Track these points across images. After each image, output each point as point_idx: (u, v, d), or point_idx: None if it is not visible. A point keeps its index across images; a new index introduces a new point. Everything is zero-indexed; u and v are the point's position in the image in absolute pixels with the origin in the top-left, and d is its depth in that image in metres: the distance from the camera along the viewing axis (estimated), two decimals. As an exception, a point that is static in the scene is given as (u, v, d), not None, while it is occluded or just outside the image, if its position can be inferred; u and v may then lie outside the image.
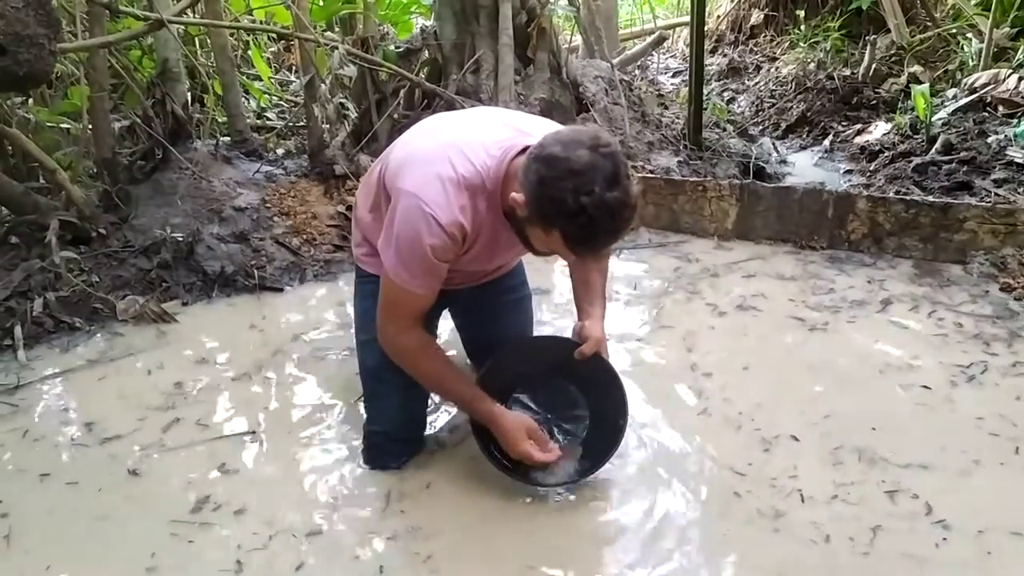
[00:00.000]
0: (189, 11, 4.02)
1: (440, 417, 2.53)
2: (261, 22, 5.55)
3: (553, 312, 3.31)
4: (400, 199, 1.87)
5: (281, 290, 3.63)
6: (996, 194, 4.19)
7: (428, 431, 2.42)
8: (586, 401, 2.29)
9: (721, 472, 2.21)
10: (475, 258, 2.04)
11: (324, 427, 2.53)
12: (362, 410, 2.46)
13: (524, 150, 1.84)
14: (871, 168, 5.15)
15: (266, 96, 6.17)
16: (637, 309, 3.31)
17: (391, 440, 2.29)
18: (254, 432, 2.50)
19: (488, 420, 2.08)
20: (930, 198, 3.85)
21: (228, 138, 4.68)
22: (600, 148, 1.67)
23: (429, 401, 2.44)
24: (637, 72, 7.54)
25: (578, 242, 1.75)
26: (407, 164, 1.93)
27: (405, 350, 2.09)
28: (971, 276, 3.40)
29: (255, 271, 3.65)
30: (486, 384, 2.18)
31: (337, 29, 5.80)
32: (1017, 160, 4.50)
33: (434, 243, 1.84)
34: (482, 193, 1.88)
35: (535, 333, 2.71)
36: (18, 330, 3.10)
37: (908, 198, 3.76)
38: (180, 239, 3.62)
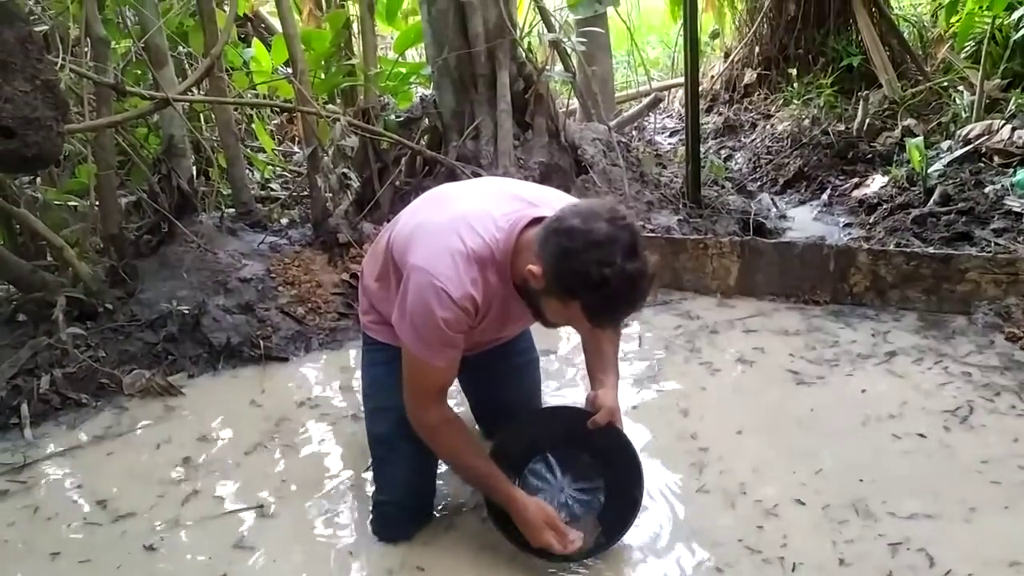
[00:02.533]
0: (194, 88, 4.11)
1: (447, 486, 2.50)
2: (264, 96, 5.66)
3: (559, 374, 3.30)
4: (411, 274, 1.89)
5: (287, 359, 3.62)
6: (996, 243, 4.21)
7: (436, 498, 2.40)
8: (601, 472, 2.26)
9: (729, 550, 2.15)
10: (485, 329, 2.05)
11: (337, 498, 2.51)
12: (371, 479, 2.45)
13: (532, 222, 1.86)
14: (870, 221, 5.18)
15: (270, 167, 6.26)
16: (636, 370, 3.27)
17: (400, 509, 2.27)
18: (263, 507, 2.47)
19: (506, 504, 2.05)
20: (930, 249, 3.87)
21: (233, 210, 4.74)
22: (618, 220, 1.70)
23: (438, 470, 2.41)
24: (634, 133, 7.64)
25: (598, 313, 1.77)
26: (416, 238, 1.95)
27: (427, 425, 2.08)
28: (976, 326, 3.39)
29: (260, 341, 3.65)
30: (500, 454, 2.17)
31: (339, 101, 5.92)
32: (1015, 209, 4.53)
33: (447, 317, 1.85)
34: (492, 266, 1.89)
35: (542, 393, 2.71)
36: (24, 408, 3.10)
37: (909, 250, 3.78)
38: (186, 312, 3.64)
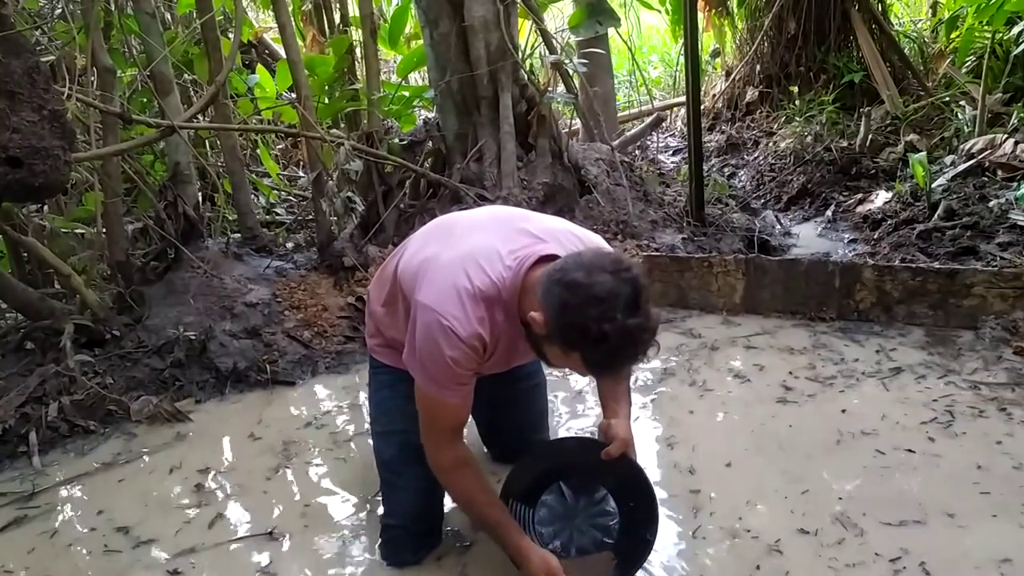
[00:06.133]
0: (199, 115, 4.14)
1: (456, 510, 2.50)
2: (269, 122, 5.70)
3: (568, 399, 3.29)
4: (419, 312, 1.89)
5: (293, 384, 3.63)
6: (1002, 258, 4.20)
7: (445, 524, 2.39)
8: (616, 505, 2.22)
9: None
10: (493, 364, 2.04)
11: (348, 522, 2.51)
12: (380, 503, 2.44)
13: (540, 260, 1.86)
14: (875, 237, 5.18)
15: (275, 192, 6.30)
16: (634, 396, 3.20)
17: (408, 534, 2.26)
18: (279, 532, 2.47)
19: (514, 554, 2.02)
20: (936, 264, 3.86)
21: (238, 235, 4.76)
22: (621, 272, 1.68)
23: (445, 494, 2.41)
24: (637, 152, 7.68)
25: (598, 366, 1.77)
26: (424, 274, 1.95)
27: (441, 467, 2.07)
28: (983, 341, 3.37)
29: (267, 366, 3.66)
30: (513, 486, 2.16)
31: (343, 125, 5.97)
32: (1020, 223, 4.52)
33: (455, 355, 1.85)
34: (499, 304, 1.89)
35: (549, 417, 2.70)
36: (33, 436, 3.10)
37: (914, 265, 3.77)
38: (193, 337, 3.65)
